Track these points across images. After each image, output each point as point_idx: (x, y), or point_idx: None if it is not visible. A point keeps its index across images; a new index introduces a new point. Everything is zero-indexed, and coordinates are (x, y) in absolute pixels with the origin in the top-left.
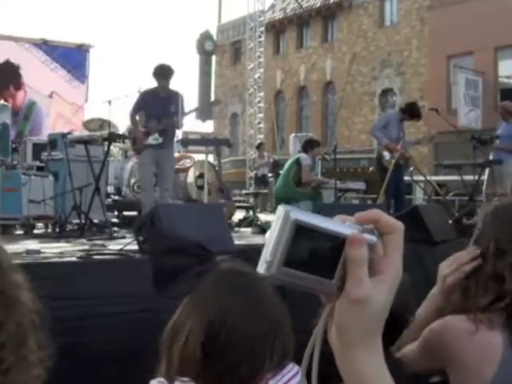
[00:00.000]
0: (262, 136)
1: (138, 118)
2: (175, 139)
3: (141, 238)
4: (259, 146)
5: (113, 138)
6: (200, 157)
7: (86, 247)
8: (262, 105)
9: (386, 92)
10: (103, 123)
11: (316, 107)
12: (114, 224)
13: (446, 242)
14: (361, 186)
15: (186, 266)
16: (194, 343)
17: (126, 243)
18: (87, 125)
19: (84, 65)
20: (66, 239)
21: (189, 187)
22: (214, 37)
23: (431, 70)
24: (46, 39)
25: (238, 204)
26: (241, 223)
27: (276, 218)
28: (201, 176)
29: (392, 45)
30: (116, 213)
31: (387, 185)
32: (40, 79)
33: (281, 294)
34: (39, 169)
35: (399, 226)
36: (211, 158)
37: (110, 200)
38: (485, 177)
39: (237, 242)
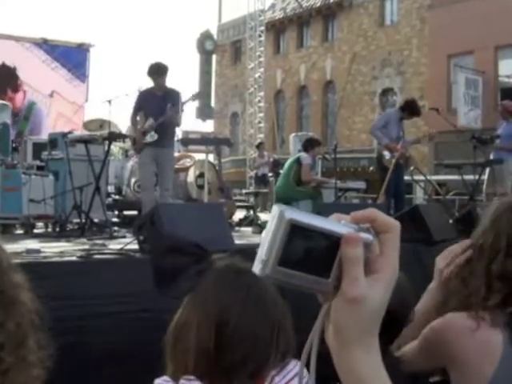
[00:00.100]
0: (262, 135)
1: (138, 118)
2: (175, 138)
3: (141, 238)
4: (259, 146)
5: (113, 137)
6: (200, 156)
7: (87, 247)
8: (262, 104)
9: (387, 91)
10: (103, 123)
11: (316, 107)
12: (115, 223)
13: (446, 241)
14: (361, 185)
15: (185, 265)
16: (197, 342)
17: (127, 243)
18: (87, 125)
19: (84, 64)
20: (67, 239)
21: (189, 187)
22: (215, 36)
23: (431, 70)
24: (47, 38)
25: (238, 203)
26: (241, 223)
27: (271, 218)
28: (201, 175)
29: (392, 44)
30: (116, 212)
31: (387, 184)
32: (40, 78)
33: (280, 293)
34: (39, 168)
35: (395, 224)
36: (211, 157)
37: (110, 199)
38: (485, 176)
39: (237, 242)
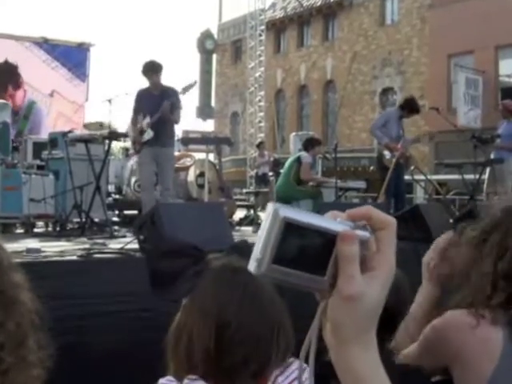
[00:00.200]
0: (262, 135)
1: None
2: (176, 138)
3: (141, 237)
4: (260, 145)
5: (113, 136)
6: (200, 155)
7: (87, 246)
8: (262, 103)
9: (387, 91)
10: (103, 124)
11: (316, 106)
12: (115, 223)
13: None
14: (361, 184)
15: (182, 267)
16: (197, 343)
17: (127, 242)
18: (87, 126)
19: (84, 63)
20: (67, 238)
21: (189, 186)
22: (215, 35)
23: (432, 69)
24: (47, 38)
25: (238, 203)
26: (241, 222)
27: (266, 216)
28: (201, 175)
29: (392, 44)
30: (117, 212)
31: (388, 184)
32: (41, 78)
33: (278, 291)
34: (40, 167)
35: (391, 221)
36: (212, 156)
37: (110, 199)
38: (485, 176)
39: None
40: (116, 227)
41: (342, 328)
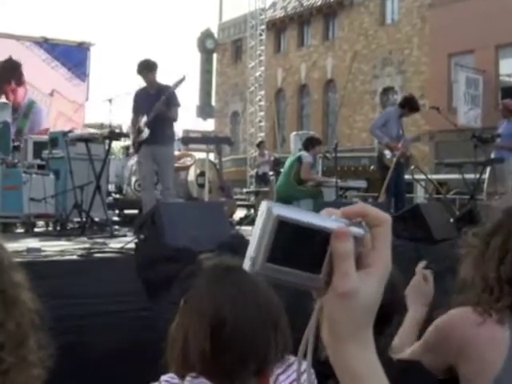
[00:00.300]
0: (262, 134)
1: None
2: (176, 137)
3: (141, 237)
4: (260, 145)
5: (114, 136)
6: (201, 155)
7: (87, 245)
8: (262, 103)
9: (387, 90)
10: (102, 125)
11: (317, 105)
12: (115, 222)
13: (446, 240)
14: (362, 184)
15: (174, 272)
16: (193, 343)
17: (127, 242)
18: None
19: (85, 63)
20: (67, 237)
21: (190, 185)
22: (215, 35)
23: (432, 69)
24: (47, 37)
25: (238, 202)
26: (242, 221)
27: (259, 214)
28: (202, 174)
29: (393, 43)
30: (117, 211)
31: (388, 183)
32: (41, 77)
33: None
34: (40, 167)
35: (386, 218)
36: (212, 156)
37: (110, 198)
38: (486, 175)
39: None
40: (116, 227)
41: (338, 325)
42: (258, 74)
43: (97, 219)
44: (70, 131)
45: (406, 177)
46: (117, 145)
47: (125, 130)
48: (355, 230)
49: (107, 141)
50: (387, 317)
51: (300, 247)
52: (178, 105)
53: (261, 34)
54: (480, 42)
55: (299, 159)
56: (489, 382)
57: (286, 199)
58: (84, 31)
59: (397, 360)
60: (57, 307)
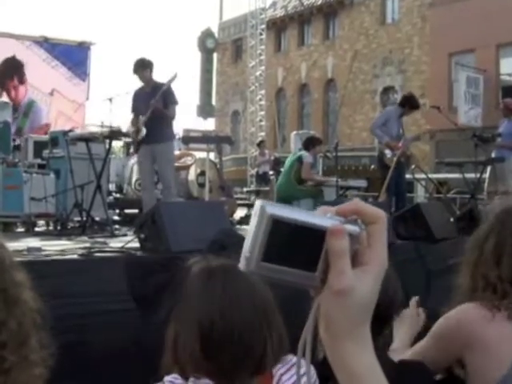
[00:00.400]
0: (263, 134)
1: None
2: (176, 136)
3: (142, 236)
4: (260, 144)
5: (114, 135)
6: (201, 154)
7: (88, 245)
8: (263, 102)
9: (388, 90)
10: (103, 125)
11: (317, 105)
12: (116, 222)
13: (446, 239)
14: (362, 183)
15: (163, 282)
16: (184, 350)
17: (128, 241)
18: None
19: (85, 62)
20: (68, 237)
21: (190, 185)
22: (216, 34)
23: (432, 68)
24: (47, 37)
25: (239, 202)
26: (242, 221)
27: (253, 214)
28: (202, 174)
29: (393, 42)
30: (117, 210)
31: (388, 183)
32: (41, 77)
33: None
34: (40, 166)
35: (382, 215)
36: (212, 155)
37: (111, 198)
38: (486, 175)
39: None
40: (117, 226)
41: (334, 323)
42: (258, 73)
43: (97, 218)
44: (71, 130)
45: (407, 176)
46: (117, 144)
47: (125, 130)
48: (350, 227)
49: (107, 140)
50: (385, 317)
51: (295, 246)
52: (175, 102)
53: (261, 34)
54: (480, 42)
55: (299, 159)
56: (495, 379)
57: (286, 199)
58: (84, 30)
59: (397, 361)
60: (57, 306)
